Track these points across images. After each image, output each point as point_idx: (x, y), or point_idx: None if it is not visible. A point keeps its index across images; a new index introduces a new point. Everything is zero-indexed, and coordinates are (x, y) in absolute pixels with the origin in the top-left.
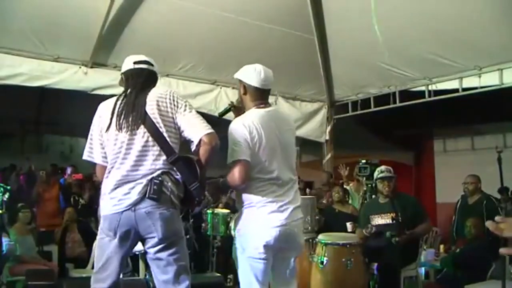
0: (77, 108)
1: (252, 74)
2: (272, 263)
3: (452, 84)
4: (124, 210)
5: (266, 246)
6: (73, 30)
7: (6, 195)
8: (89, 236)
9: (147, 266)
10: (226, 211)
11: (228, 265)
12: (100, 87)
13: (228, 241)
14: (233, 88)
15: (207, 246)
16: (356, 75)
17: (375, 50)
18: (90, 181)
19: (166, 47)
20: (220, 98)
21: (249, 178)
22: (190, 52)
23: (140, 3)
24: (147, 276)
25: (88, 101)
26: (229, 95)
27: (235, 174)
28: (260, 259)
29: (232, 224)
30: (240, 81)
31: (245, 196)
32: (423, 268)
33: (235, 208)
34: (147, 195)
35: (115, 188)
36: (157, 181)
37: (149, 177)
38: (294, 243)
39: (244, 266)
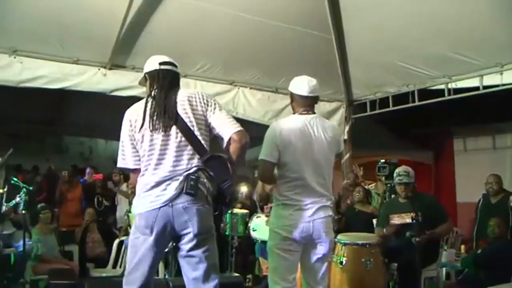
0: (95, 109)
1: (296, 84)
2: (303, 259)
3: (473, 82)
4: (162, 206)
5: (291, 239)
6: (92, 33)
7: (27, 196)
8: (109, 236)
9: (166, 266)
10: (245, 211)
11: (247, 265)
12: (119, 89)
13: (247, 241)
14: (251, 88)
15: (226, 246)
16: (374, 74)
17: (393, 48)
18: (110, 181)
19: (184, 48)
20: (238, 98)
21: (274, 176)
22: (208, 53)
23: (158, 5)
24: (167, 276)
25: (106, 103)
26: (247, 95)
27: (259, 171)
28: (286, 250)
29: (250, 224)
30: (289, 91)
31: (276, 194)
32: (444, 269)
33: (254, 208)
34: (184, 191)
35: (152, 188)
36: (194, 177)
37: (185, 173)
38: (319, 239)
39: (273, 256)
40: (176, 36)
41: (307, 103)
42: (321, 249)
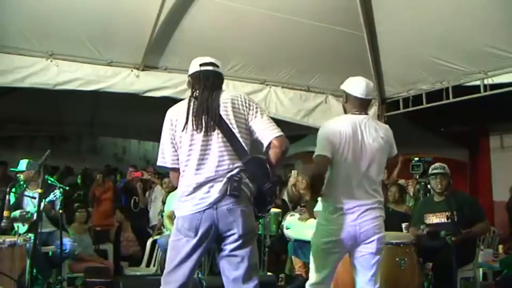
0: (129, 110)
1: (354, 85)
2: (352, 261)
3: (510, 77)
4: (206, 209)
5: (334, 241)
6: (125, 35)
7: (62, 195)
8: (143, 235)
9: (199, 265)
10: (278, 210)
11: (280, 265)
12: (152, 90)
13: (280, 240)
14: (283, 87)
15: (259, 246)
16: (407, 71)
17: (426, 44)
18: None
19: (216, 47)
20: (270, 98)
21: (326, 172)
22: (240, 52)
23: (190, 5)
24: (200, 275)
25: (139, 104)
26: (279, 94)
27: (315, 168)
28: (330, 251)
29: (284, 223)
30: (344, 91)
31: (325, 192)
32: (480, 269)
33: (285, 208)
34: (228, 193)
35: (195, 190)
36: (237, 178)
37: (228, 175)
38: (365, 241)
39: (317, 253)
40: (208, 36)
41: (362, 105)
42: (367, 250)
